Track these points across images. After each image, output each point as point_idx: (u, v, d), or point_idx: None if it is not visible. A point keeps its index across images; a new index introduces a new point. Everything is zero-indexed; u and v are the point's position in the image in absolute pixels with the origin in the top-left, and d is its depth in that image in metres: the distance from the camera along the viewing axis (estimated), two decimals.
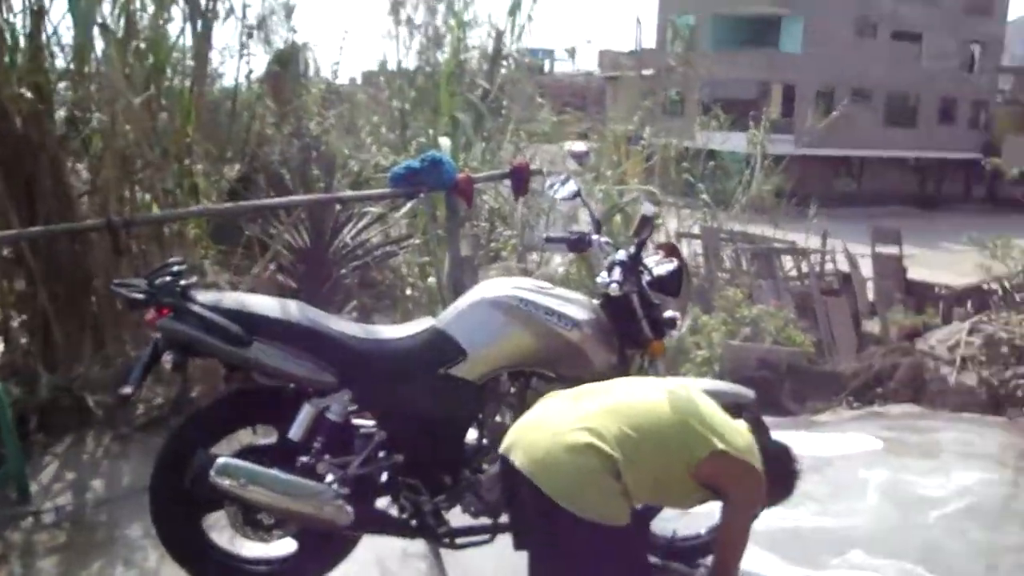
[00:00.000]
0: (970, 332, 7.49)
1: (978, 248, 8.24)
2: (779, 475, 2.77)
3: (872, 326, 9.22)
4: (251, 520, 2.99)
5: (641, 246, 3.22)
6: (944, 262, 11.73)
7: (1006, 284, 8.41)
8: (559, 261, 6.62)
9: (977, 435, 5.40)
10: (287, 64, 7.68)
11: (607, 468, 2.43)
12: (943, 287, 9.83)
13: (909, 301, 9.42)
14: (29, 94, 4.66)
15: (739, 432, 2.67)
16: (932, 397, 6.55)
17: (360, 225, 6.66)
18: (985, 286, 8.71)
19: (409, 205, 6.57)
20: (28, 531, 3.79)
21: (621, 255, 3.22)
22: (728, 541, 2.70)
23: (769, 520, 3.12)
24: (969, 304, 8.69)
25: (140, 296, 2.83)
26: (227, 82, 7.42)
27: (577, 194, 3.59)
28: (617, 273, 3.11)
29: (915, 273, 10.53)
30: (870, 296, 10.04)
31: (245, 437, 3.19)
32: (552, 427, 2.53)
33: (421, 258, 6.78)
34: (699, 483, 2.57)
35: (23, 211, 4.86)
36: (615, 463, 2.42)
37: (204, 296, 2.92)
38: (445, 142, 5.89)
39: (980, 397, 6.34)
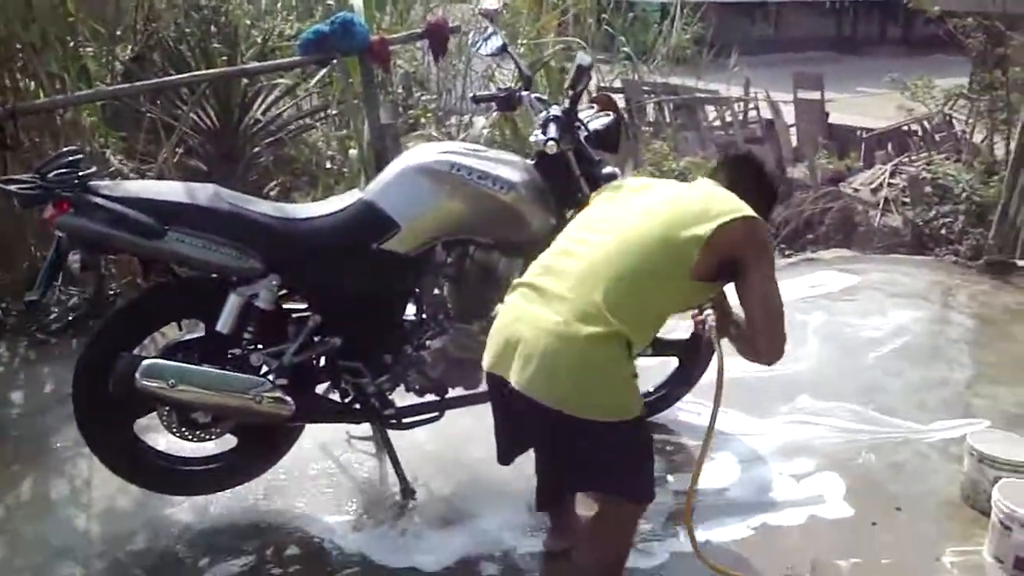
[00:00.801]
0: (892, 174, 7.52)
1: (899, 90, 8.20)
2: (764, 194, 2.51)
3: (797, 172, 9.23)
4: (186, 420, 2.84)
5: (576, 99, 3.03)
6: (865, 106, 11.77)
7: (926, 125, 8.44)
8: (483, 124, 6.37)
9: (906, 275, 5.48)
10: None
11: (615, 351, 2.19)
12: (864, 130, 9.84)
13: (832, 146, 9.41)
14: None
15: (714, 198, 2.37)
16: (860, 240, 6.60)
17: (270, 99, 6.29)
18: (906, 128, 8.73)
19: (322, 73, 6.20)
20: None
21: (555, 110, 3.03)
22: (761, 299, 2.32)
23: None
24: (890, 146, 8.71)
25: (34, 192, 2.56)
26: None
27: (504, 48, 3.36)
28: (552, 130, 2.92)
29: (836, 118, 10.52)
30: (793, 142, 10.03)
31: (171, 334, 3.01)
32: (539, 331, 2.20)
33: (339, 131, 6.47)
34: (699, 279, 2.28)
35: None
36: (620, 335, 2.18)
37: (107, 187, 2.66)
38: (357, 3, 5.50)
39: (906, 238, 6.40)
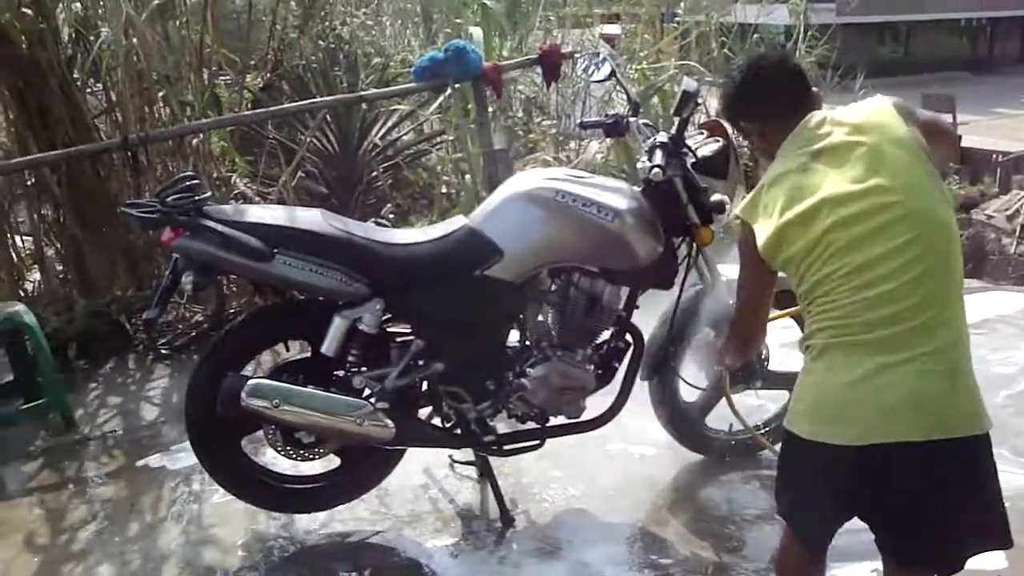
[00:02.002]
0: None
1: None
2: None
3: None
4: (290, 440, 2.90)
5: (683, 126, 2.97)
6: (1001, 128, 11.22)
7: None
8: (597, 148, 6.34)
9: None
10: None
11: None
12: (1000, 154, 9.36)
13: (964, 170, 8.99)
14: (30, 12, 4.46)
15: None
16: (993, 270, 6.26)
17: (388, 124, 6.43)
18: None
19: (440, 99, 6.31)
20: (79, 458, 3.76)
21: (662, 137, 2.98)
22: None
23: None
24: None
25: (153, 217, 2.68)
26: None
27: (612, 75, 3.33)
28: (659, 157, 2.87)
29: (970, 140, 10.04)
30: None
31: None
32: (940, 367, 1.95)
33: (455, 154, 6.56)
34: None
35: (40, 137, 4.73)
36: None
37: (221, 211, 2.75)
38: (477, 32, 5.58)
39: None
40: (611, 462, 3.54)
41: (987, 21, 23.11)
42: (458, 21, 5.72)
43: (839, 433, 1.97)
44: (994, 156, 9.44)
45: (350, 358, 2.84)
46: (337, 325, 2.81)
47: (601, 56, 3.42)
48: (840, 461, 1.99)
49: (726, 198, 3.05)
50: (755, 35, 9.50)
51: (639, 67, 7.27)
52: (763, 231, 2.10)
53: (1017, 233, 6.68)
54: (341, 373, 2.85)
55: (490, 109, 5.29)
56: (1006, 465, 3.39)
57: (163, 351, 4.66)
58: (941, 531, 2.02)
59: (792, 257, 2.06)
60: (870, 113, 2.13)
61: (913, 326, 1.93)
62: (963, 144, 9.93)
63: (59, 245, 5.18)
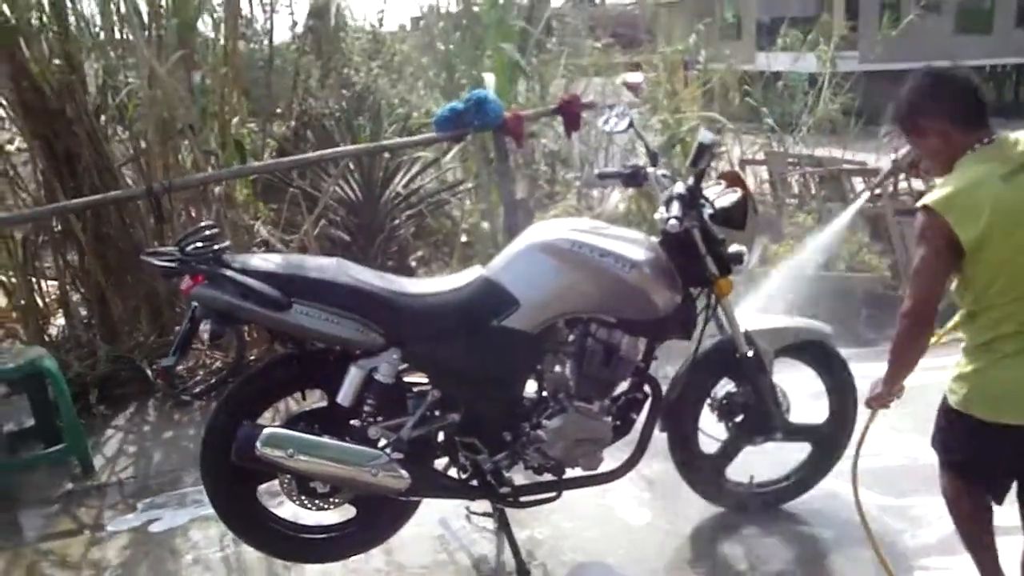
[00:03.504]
0: None
1: None
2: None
3: None
4: (305, 489, 2.89)
5: (700, 177, 2.96)
6: None
7: None
8: (619, 198, 6.36)
9: None
10: (323, 15, 7.49)
11: None
12: None
13: None
14: (59, 61, 4.56)
15: None
16: None
17: (411, 173, 6.49)
18: None
19: (456, 149, 6.36)
20: (96, 504, 3.77)
21: (679, 188, 2.98)
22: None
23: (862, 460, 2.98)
24: None
25: (172, 265, 2.70)
26: (276, 39, 7.28)
27: (631, 125, 3.34)
28: (676, 208, 2.87)
29: None
30: None
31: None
32: None
33: (477, 204, 6.60)
34: None
35: (67, 185, 4.81)
36: None
37: (239, 260, 2.77)
38: (490, 77, 5.64)
39: None
40: (629, 514, 3.49)
41: (1011, 67, 23.12)
42: (475, 73, 5.78)
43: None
44: None
45: (366, 408, 2.83)
46: (353, 375, 2.80)
47: (620, 108, 3.44)
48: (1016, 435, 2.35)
49: (744, 249, 3.03)
50: (779, 82, 9.54)
51: (662, 117, 7.30)
52: (968, 227, 2.26)
53: None
54: (357, 423, 2.83)
55: (511, 159, 5.32)
56: None
57: (184, 398, 4.68)
58: None
59: (989, 259, 2.29)
60: None
61: None
62: None
63: (84, 291, 5.24)
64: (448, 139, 5.25)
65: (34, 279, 5.19)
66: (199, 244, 2.71)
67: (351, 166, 6.03)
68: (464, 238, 6.34)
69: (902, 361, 2.53)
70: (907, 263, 9.33)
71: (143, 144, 5.12)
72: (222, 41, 5.32)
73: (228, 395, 2.91)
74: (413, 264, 6.24)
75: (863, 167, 9.82)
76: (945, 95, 2.38)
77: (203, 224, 2.87)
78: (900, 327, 2.47)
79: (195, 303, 2.72)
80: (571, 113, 4.79)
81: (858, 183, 9.67)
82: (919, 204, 2.36)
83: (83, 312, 5.30)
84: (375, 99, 6.81)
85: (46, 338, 5.09)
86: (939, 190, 2.33)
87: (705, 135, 2.92)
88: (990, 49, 22.23)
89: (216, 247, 2.71)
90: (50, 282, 5.35)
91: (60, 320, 5.31)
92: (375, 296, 2.78)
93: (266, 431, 2.70)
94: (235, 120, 5.60)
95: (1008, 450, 2.42)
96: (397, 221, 6.26)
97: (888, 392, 2.64)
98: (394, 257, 6.14)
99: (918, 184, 9.84)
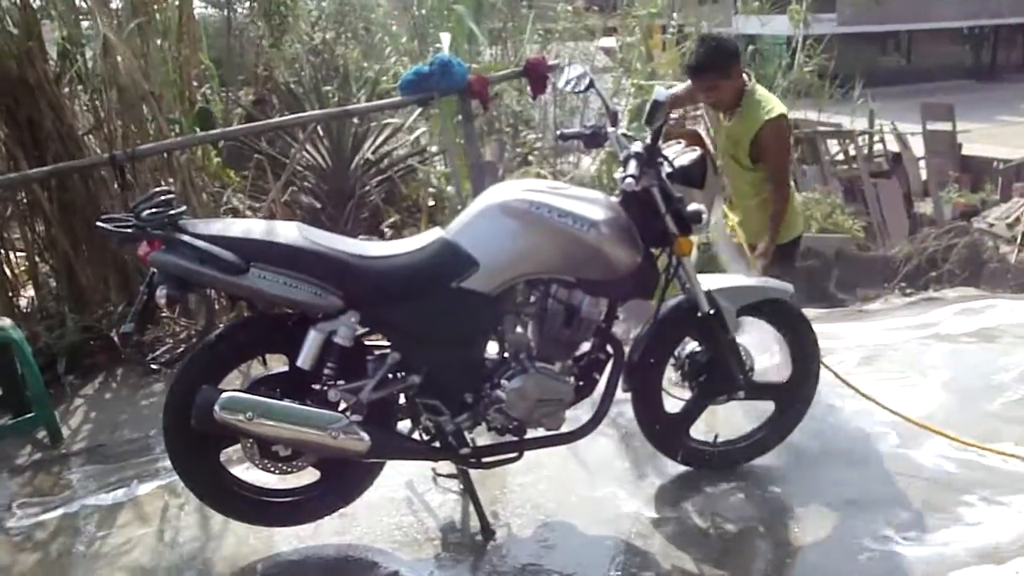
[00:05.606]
0: None
1: None
2: None
3: (925, 207, 8.82)
4: (267, 453, 2.89)
5: (657, 135, 2.96)
6: (1003, 136, 11.20)
7: None
8: (590, 161, 6.35)
9: None
10: None
11: None
12: (1001, 161, 9.33)
13: (965, 179, 8.97)
14: (16, 30, 4.49)
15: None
16: (991, 278, 6.22)
17: (381, 138, 6.45)
18: None
19: (417, 112, 6.30)
20: (64, 472, 3.76)
21: (636, 147, 2.98)
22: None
23: None
24: None
25: (127, 231, 2.68)
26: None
27: (591, 85, 3.33)
28: (632, 166, 2.87)
29: (971, 149, 10.01)
30: (923, 176, 9.60)
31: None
32: None
33: (446, 168, 6.58)
34: None
35: (30, 154, 4.76)
36: None
37: (196, 225, 2.75)
38: (446, 37, 5.59)
39: None
40: (593, 474, 3.52)
41: (989, 29, 23.09)
42: (443, 34, 5.73)
43: None
44: (995, 164, 9.42)
45: (326, 371, 2.83)
46: (312, 338, 2.80)
47: (579, 68, 3.43)
48: None
49: (703, 207, 3.03)
50: (751, 46, 9.52)
51: (635, 81, 7.28)
52: None
53: (1018, 241, 6.66)
54: (317, 386, 2.84)
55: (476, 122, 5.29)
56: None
57: (152, 366, 4.66)
58: None
59: None
60: None
61: None
62: (963, 152, 9.92)
63: (51, 261, 5.21)
64: (413, 102, 5.22)
65: (2, 251, 5.14)
66: (154, 210, 2.68)
67: (320, 132, 5.99)
68: (432, 202, 6.32)
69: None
70: (882, 224, 9.39)
71: (102, 113, 5.06)
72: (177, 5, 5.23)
73: (190, 360, 2.91)
74: (385, 230, 6.22)
75: (838, 129, 9.86)
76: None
77: (158, 189, 2.84)
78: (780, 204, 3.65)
79: (154, 269, 2.71)
80: (537, 75, 4.75)
81: (833, 145, 9.71)
82: (777, 114, 3.55)
83: (52, 283, 5.27)
84: (342, 63, 6.74)
85: (15, 310, 5.05)
86: (778, 107, 3.62)
87: (659, 92, 2.91)
88: (968, 11, 22.17)
89: (172, 212, 2.69)
90: (19, 253, 5.31)
91: (31, 291, 5.28)
92: (332, 259, 2.77)
93: (224, 395, 2.70)
94: (205, 89, 5.54)
95: None
96: (367, 187, 6.23)
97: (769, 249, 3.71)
98: (365, 223, 6.12)
99: (893, 146, 9.88)
